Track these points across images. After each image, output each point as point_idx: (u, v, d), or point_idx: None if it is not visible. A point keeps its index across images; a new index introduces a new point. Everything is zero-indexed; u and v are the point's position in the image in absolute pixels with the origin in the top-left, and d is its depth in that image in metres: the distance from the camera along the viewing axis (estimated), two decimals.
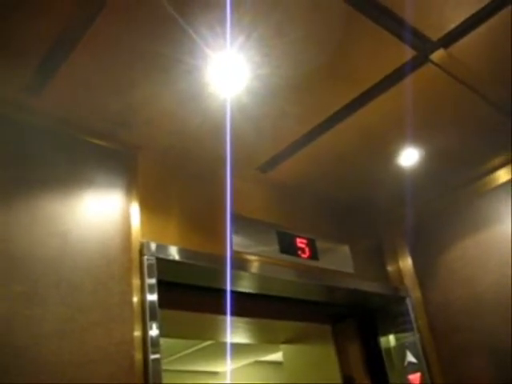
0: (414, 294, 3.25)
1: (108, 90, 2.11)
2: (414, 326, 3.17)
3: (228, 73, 2.06)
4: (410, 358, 3.13)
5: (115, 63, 1.98)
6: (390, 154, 2.79)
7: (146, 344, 2.03)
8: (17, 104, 2.10)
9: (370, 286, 3.13)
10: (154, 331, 2.07)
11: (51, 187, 2.09)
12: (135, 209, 2.29)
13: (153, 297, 2.14)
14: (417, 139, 2.69)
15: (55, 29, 1.81)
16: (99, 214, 2.17)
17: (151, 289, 2.15)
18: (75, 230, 2.07)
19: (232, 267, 2.42)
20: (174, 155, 2.56)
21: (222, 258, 2.45)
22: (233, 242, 2.58)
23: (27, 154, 2.09)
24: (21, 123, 2.13)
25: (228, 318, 2.63)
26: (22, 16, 1.75)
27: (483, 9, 1.98)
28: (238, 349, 4.96)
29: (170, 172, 2.58)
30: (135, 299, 2.09)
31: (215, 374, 6.17)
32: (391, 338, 3.27)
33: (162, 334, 2.10)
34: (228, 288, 2.43)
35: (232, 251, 2.54)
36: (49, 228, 2.00)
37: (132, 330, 2.03)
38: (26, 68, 1.96)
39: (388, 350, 3.27)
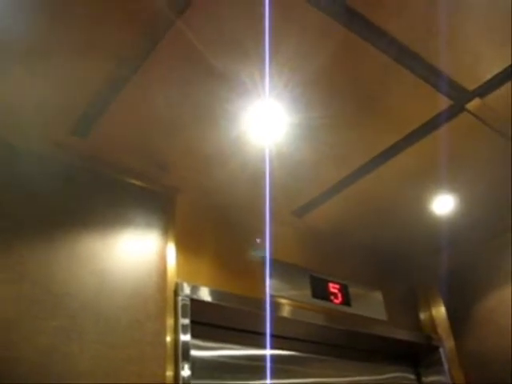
0: (447, 344, 3.19)
1: (150, 135, 2.19)
2: (448, 376, 3.10)
3: (267, 120, 2.11)
4: None
5: (158, 109, 2.05)
6: (425, 200, 2.79)
7: None
8: (64, 146, 2.19)
9: (402, 334, 3.09)
10: (185, 372, 2.07)
11: (91, 226, 2.14)
12: (171, 249, 2.33)
13: (186, 337, 2.15)
14: (452, 186, 2.69)
15: (103, 73, 1.88)
16: (137, 253, 2.21)
17: (184, 329, 2.16)
18: (113, 268, 2.11)
19: (267, 311, 2.42)
20: (211, 198, 2.60)
21: (255, 301, 2.46)
22: (269, 285, 2.58)
23: (68, 193, 2.16)
24: (65, 164, 2.20)
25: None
26: (72, 57, 1.81)
27: None
28: None
29: (207, 214, 2.62)
30: (168, 339, 2.11)
31: None
32: None
33: (194, 375, 2.10)
34: (268, 332, 2.42)
35: (271, 296, 2.55)
36: (87, 266, 2.04)
37: (164, 370, 2.03)
38: (76, 110, 2.03)
39: None
